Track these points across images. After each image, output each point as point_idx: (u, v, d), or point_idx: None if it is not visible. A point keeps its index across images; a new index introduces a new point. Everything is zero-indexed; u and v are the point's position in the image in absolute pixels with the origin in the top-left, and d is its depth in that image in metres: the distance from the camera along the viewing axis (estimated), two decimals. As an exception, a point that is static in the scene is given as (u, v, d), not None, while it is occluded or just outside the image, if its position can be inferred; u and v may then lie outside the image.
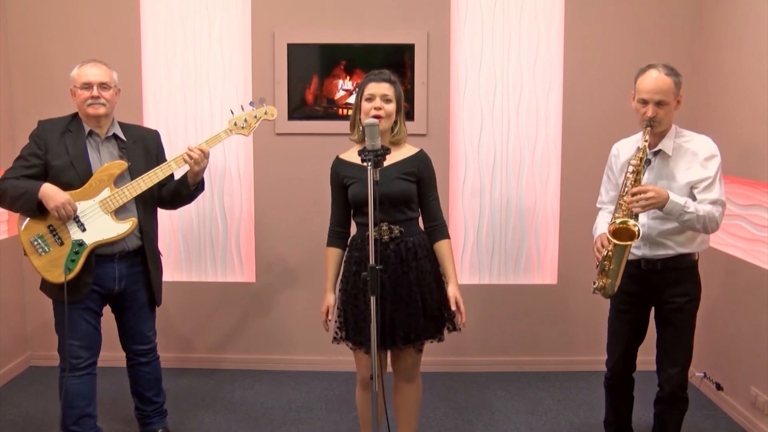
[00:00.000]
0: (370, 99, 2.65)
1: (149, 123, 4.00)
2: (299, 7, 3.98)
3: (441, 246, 2.75)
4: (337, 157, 2.81)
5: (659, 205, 2.55)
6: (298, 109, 4.03)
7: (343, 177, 2.73)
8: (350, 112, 2.78)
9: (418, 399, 2.85)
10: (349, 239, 2.81)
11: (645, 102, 2.64)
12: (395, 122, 2.71)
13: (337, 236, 2.80)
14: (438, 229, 2.76)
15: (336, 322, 2.78)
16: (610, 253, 2.64)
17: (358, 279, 2.66)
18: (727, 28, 3.65)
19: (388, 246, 2.66)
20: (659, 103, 2.62)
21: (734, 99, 3.55)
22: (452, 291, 2.69)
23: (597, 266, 2.73)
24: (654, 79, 2.63)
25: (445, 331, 2.78)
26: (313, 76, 4.02)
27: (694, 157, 2.67)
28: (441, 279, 2.75)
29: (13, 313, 4.04)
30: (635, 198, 2.55)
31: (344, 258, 2.79)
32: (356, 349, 2.76)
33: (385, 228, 2.66)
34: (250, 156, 4.10)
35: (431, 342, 2.75)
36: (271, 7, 3.98)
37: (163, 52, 4.05)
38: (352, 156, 2.75)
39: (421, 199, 2.74)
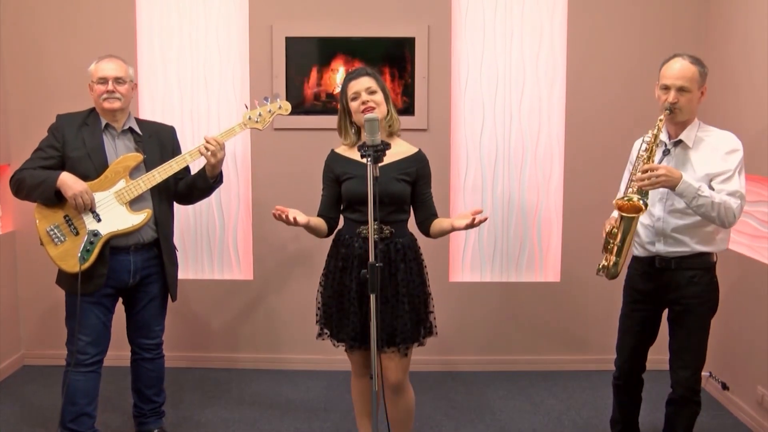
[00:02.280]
0: (356, 97, 2.62)
1: (145, 117, 3.93)
2: (297, 0, 3.92)
3: (439, 220, 2.72)
4: (333, 150, 2.77)
5: (670, 184, 2.48)
6: (296, 104, 3.95)
7: (339, 172, 2.69)
8: (338, 112, 2.75)
9: (409, 410, 2.77)
10: (335, 233, 2.76)
11: (667, 88, 2.60)
12: (387, 112, 2.67)
13: (325, 219, 2.75)
14: (435, 216, 2.74)
15: (321, 317, 2.75)
16: (616, 229, 2.61)
17: (344, 276, 2.63)
18: (733, 22, 3.61)
19: (377, 245, 2.59)
20: (681, 90, 2.57)
21: (740, 94, 3.51)
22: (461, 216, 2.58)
23: (603, 247, 2.70)
24: (678, 67, 2.59)
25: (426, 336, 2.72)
26: (312, 70, 3.97)
27: (715, 151, 2.60)
28: (426, 283, 2.72)
29: (6, 312, 3.99)
30: (646, 175, 2.48)
31: (330, 253, 2.75)
32: (339, 346, 2.74)
33: (376, 227, 2.58)
34: (247, 151, 4.06)
35: (416, 346, 2.69)
36: (269, -1, 3.93)
37: (159, 46, 4.00)
38: (347, 150, 2.71)
39: (417, 197, 2.71)
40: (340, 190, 2.70)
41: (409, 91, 3.94)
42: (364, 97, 2.60)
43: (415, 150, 2.73)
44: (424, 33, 3.90)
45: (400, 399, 2.72)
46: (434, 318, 2.73)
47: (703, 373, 3.71)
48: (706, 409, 3.53)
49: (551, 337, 4.13)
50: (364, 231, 2.58)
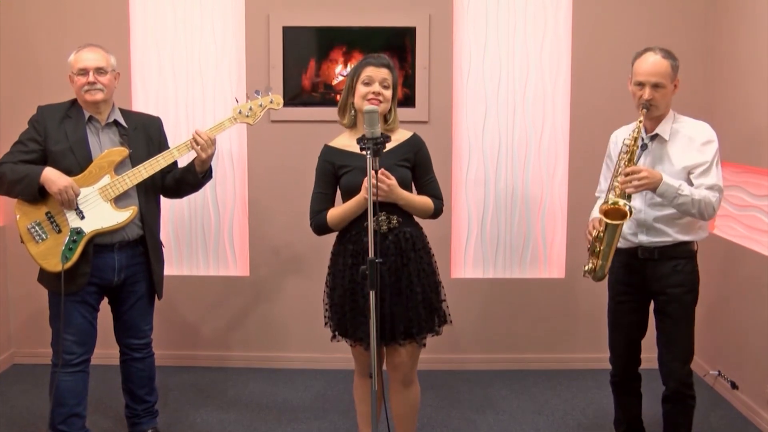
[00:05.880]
0: (368, 83, 2.55)
1: (138, 109, 3.86)
2: (295, -11, 3.86)
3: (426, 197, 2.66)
4: (327, 145, 2.69)
5: (652, 186, 2.53)
6: (294, 96, 3.90)
7: (338, 166, 2.61)
8: (342, 91, 2.68)
9: (416, 404, 2.73)
10: (340, 230, 2.68)
11: (641, 84, 2.64)
12: (390, 111, 2.62)
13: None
14: (437, 198, 2.68)
15: (332, 318, 2.68)
16: (601, 233, 2.63)
17: (355, 272, 2.56)
18: (742, 10, 3.55)
19: (387, 237, 2.57)
20: (656, 86, 2.61)
21: (749, 85, 3.44)
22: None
23: (588, 249, 2.72)
24: (651, 62, 2.63)
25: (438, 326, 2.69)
26: (310, 61, 3.89)
27: (691, 142, 2.65)
28: (436, 272, 2.69)
29: (-4, 309, 3.92)
30: (628, 178, 2.54)
31: (335, 250, 2.68)
32: (356, 345, 2.66)
33: (383, 218, 2.56)
34: (244, 144, 3.98)
35: (431, 336, 2.66)
36: (265, -12, 3.85)
37: (153, 36, 3.93)
38: (342, 142, 2.65)
39: (418, 181, 2.68)
40: (337, 185, 2.64)
41: (409, 82, 3.87)
42: (377, 87, 2.54)
43: (409, 134, 2.68)
44: (425, 22, 3.82)
45: (410, 392, 2.69)
46: (447, 306, 2.69)
47: (711, 372, 3.70)
48: (715, 408, 3.50)
49: (555, 335, 4.06)
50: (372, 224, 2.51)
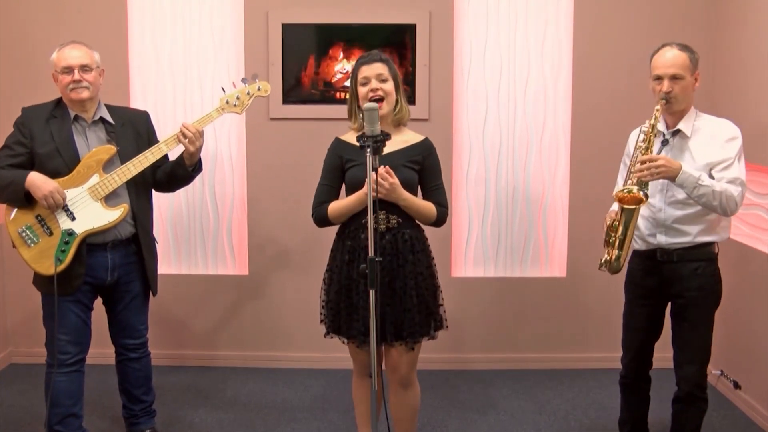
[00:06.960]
0: (365, 83, 2.56)
1: (136, 106, 3.84)
2: (294, -15, 3.82)
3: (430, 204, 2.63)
4: (338, 138, 2.69)
5: (670, 174, 2.47)
6: (293, 93, 3.88)
7: (345, 160, 2.61)
8: (348, 95, 2.69)
9: (415, 406, 2.71)
10: (339, 226, 2.67)
11: (660, 78, 2.60)
12: (396, 101, 2.61)
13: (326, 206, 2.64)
14: (441, 206, 2.64)
15: (327, 314, 2.66)
16: (617, 222, 2.58)
17: (351, 269, 2.56)
18: (743, 9, 3.53)
19: (384, 236, 2.56)
20: (674, 78, 2.56)
21: (752, 82, 3.42)
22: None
23: (604, 241, 2.66)
24: (668, 56, 2.60)
25: (434, 330, 2.66)
26: (309, 58, 3.86)
27: (714, 139, 2.59)
28: (435, 275, 2.66)
29: (-7, 308, 3.90)
30: (645, 166, 2.48)
31: (332, 247, 2.67)
32: (348, 342, 2.65)
33: (382, 217, 2.55)
34: (242, 142, 3.95)
35: (425, 340, 2.63)
36: (264, -15, 3.82)
37: (151, 33, 3.90)
38: (353, 137, 2.64)
39: (424, 187, 2.66)
40: (344, 179, 2.63)
41: (409, 80, 3.84)
42: (374, 84, 2.54)
43: (421, 138, 2.68)
44: (425, 19, 3.80)
45: (407, 394, 2.66)
46: (444, 311, 2.67)
47: (714, 372, 3.67)
48: (717, 408, 3.47)
49: (557, 334, 4.04)
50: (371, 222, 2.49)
